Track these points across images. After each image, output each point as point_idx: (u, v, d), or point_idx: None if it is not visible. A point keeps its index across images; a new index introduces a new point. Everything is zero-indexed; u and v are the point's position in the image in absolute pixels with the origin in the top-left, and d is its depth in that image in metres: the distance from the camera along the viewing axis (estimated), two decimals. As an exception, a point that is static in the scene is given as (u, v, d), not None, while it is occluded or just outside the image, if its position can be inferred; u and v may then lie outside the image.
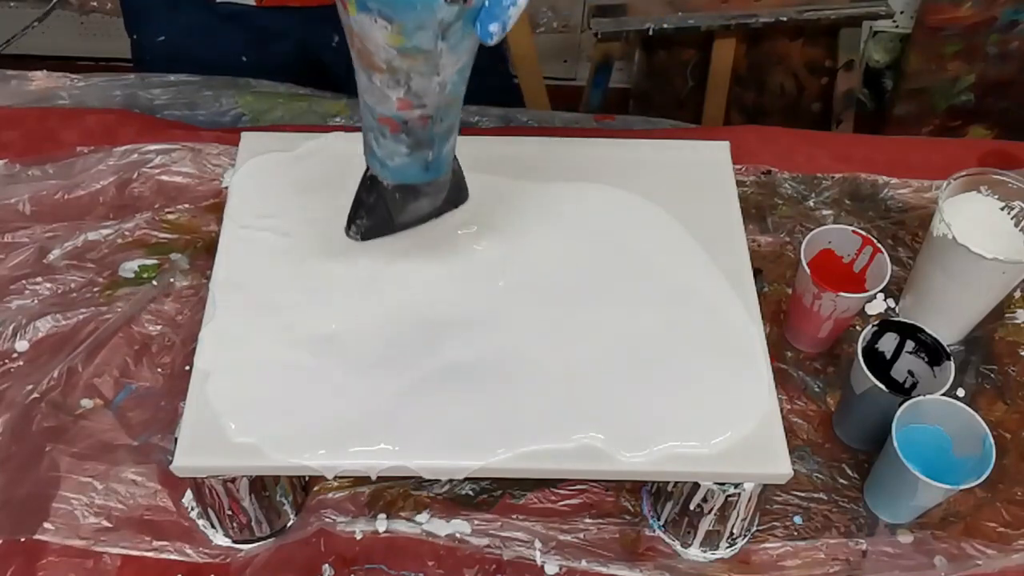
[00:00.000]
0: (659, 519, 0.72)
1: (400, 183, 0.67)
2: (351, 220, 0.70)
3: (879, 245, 0.77)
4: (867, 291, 0.77)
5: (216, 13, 0.97)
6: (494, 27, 0.55)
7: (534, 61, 1.68)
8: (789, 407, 0.79)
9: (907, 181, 0.93)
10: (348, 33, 0.59)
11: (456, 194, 0.72)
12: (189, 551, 0.70)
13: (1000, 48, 1.75)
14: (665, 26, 1.56)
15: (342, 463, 0.63)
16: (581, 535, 0.72)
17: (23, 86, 0.96)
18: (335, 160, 0.78)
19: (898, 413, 0.69)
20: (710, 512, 0.67)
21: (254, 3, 0.94)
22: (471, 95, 0.67)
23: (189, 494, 0.72)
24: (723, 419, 0.65)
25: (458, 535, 0.71)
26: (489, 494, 0.73)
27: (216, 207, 0.86)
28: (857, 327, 0.83)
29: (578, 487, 0.74)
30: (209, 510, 0.68)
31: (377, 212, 0.69)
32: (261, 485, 0.67)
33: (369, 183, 0.68)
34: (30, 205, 0.87)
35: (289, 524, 0.72)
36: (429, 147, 0.64)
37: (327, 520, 0.71)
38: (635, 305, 0.71)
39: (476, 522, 0.72)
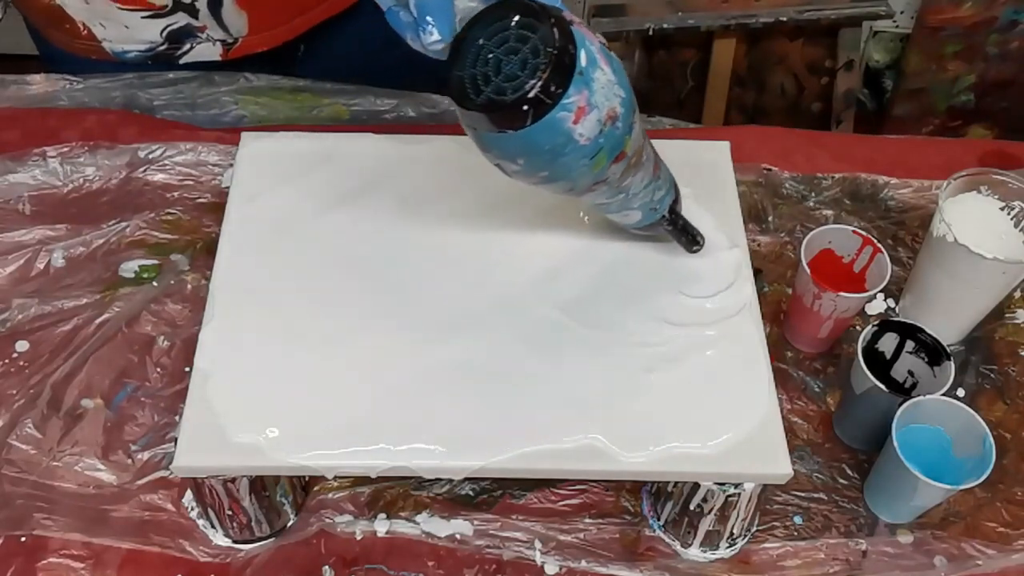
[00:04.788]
0: (659, 519, 0.72)
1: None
2: (697, 242, 0.73)
3: (879, 245, 0.77)
4: (867, 291, 0.77)
5: (181, 72, 0.95)
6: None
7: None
8: (789, 407, 0.79)
9: (907, 181, 0.93)
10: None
11: None
12: (189, 551, 0.70)
13: (1000, 48, 1.75)
14: (665, 26, 1.56)
15: (342, 463, 0.63)
16: (581, 535, 0.72)
17: (24, 87, 0.96)
18: (335, 161, 0.78)
19: (898, 413, 0.69)
20: (710, 512, 0.67)
21: (220, 58, 0.93)
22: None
23: (189, 494, 0.72)
24: (723, 419, 0.65)
25: (458, 535, 0.71)
26: (489, 494, 0.73)
27: (216, 207, 0.86)
28: (857, 327, 0.83)
29: (578, 487, 0.74)
30: (209, 510, 0.68)
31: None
32: (261, 485, 0.67)
33: (673, 215, 0.70)
34: (30, 205, 0.87)
35: (289, 524, 0.72)
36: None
37: (327, 520, 0.71)
38: (635, 305, 0.71)
39: (476, 522, 0.72)
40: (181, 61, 0.92)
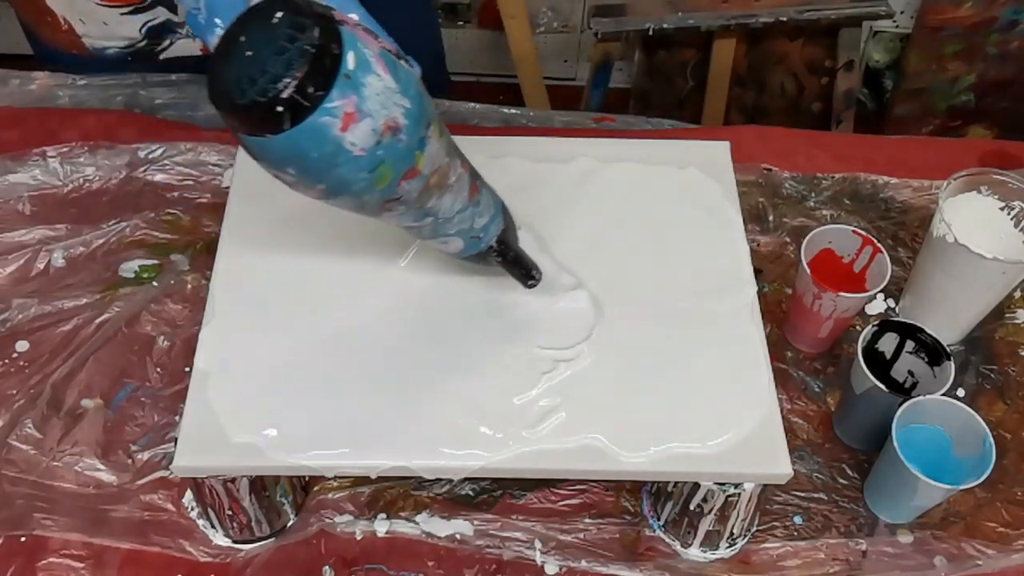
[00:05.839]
0: (659, 519, 0.72)
1: (505, 214, 0.66)
2: (532, 277, 0.69)
3: (879, 245, 0.77)
4: (867, 291, 0.77)
5: (162, 67, 0.95)
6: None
7: (534, 61, 1.68)
8: (789, 407, 0.79)
9: (907, 181, 0.93)
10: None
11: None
12: (189, 551, 0.70)
13: (1000, 48, 1.75)
14: (665, 26, 1.56)
15: (342, 463, 0.63)
16: (581, 535, 0.72)
17: (24, 87, 0.96)
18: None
19: (898, 413, 0.69)
20: (710, 512, 0.67)
21: (200, 52, 0.93)
22: None
23: (189, 494, 0.72)
24: (723, 419, 0.65)
25: (458, 535, 0.71)
26: (489, 494, 0.73)
27: (216, 207, 0.86)
28: (857, 327, 0.83)
29: (578, 487, 0.74)
30: (209, 510, 0.68)
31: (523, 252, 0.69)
32: (261, 485, 0.67)
33: (503, 245, 0.66)
34: (30, 205, 0.87)
35: (289, 524, 0.72)
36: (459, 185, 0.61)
37: (327, 520, 0.71)
38: (635, 306, 0.71)
39: (476, 522, 0.72)
40: (161, 57, 0.92)
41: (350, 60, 0.48)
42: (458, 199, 0.60)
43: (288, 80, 0.47)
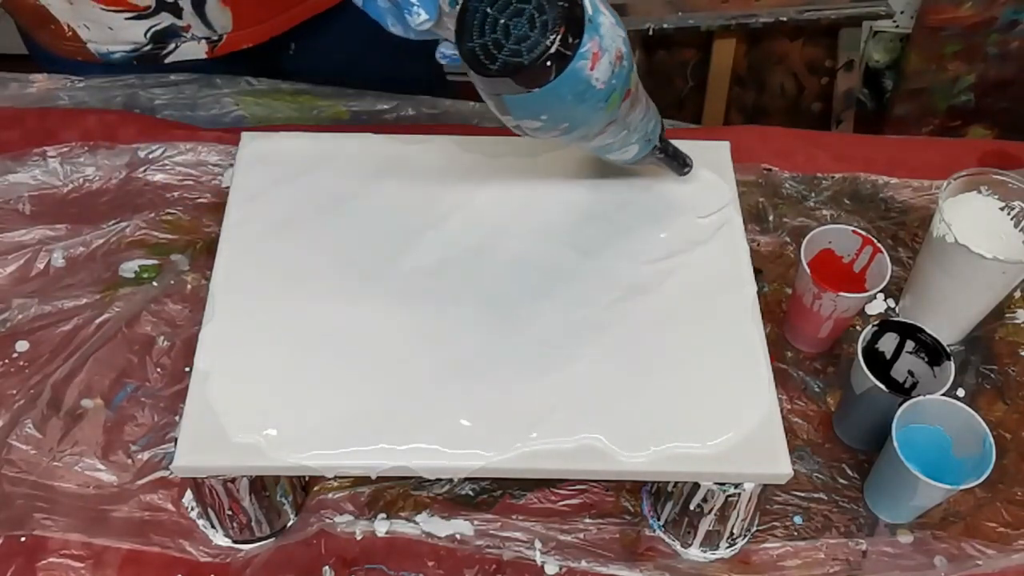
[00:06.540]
0: (659, 519, 0.72)
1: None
2: (687, 164, 0.76)
3: (879, 245, 0.77)
4: (867, 291, 0.77)
5: (167, 71, 0.95)
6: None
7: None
8: (789, 407, 0.79)
9: (907, 181, 0.93)
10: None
11: None
12: (189, 551, 0.70)
13: (1000, 48, 1.75)
14: (665, 26, 1.56)
15: (342, 463, 0.63)
16: (581, 535, 0.72)
17: (23, 88, 0.96)
18: (335, 160, 0.78)
19: (898, 413, 0.69)
20: (710, 512, 0.67)
21: (205, 56, 0.93)
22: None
23: (189, 494, 0.72)
24: (723, 419, 0.65)
25: (458, 535, 0.71)
26: (489, 494, 0.73)
27: (216, 207, 0.86)
28: (857, 327, 0.83)
29: (578, 487, 0.74)
30: (209, 510, 0.68)
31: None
32: (261, 485, 0.67)
33: (663, 142, 0.73)
34: (30, 205, 0.87)
35: (289, 524, 0.72)
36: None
37: (327, 520, 0.71)
38: (635, 305, 0.71)
39: (476, 522, 0.72)
40: (167, 60, 0.92)
41: (588, 6, 0.55)
42: (641, 109, 0.67)
43: (554, 36, 0.53)
